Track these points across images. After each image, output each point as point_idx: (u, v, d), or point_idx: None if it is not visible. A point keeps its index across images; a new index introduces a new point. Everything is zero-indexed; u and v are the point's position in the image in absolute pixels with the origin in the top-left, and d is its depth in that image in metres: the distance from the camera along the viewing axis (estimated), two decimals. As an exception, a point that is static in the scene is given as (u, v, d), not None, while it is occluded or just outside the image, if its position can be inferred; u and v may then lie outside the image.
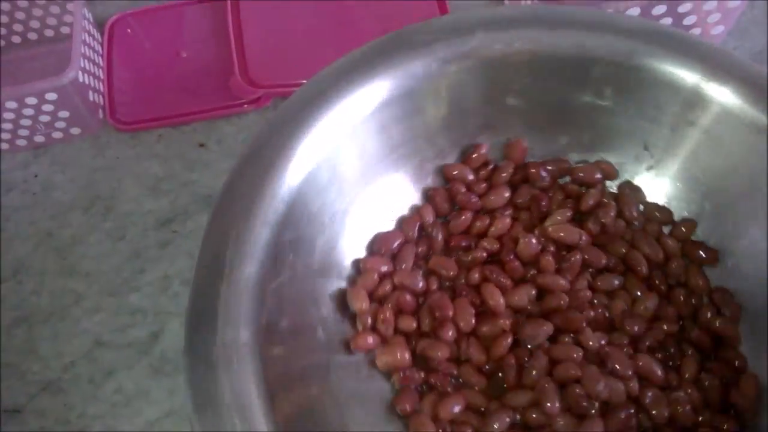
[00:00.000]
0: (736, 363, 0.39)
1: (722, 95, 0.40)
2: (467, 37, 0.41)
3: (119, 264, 0.50)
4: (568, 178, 0.46)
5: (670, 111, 0.42)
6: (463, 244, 0.43)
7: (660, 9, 0.52)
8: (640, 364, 0.38)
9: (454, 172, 0.45)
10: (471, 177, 0.45)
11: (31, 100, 0.50)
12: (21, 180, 0.54)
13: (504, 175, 0.45)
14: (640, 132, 0.44)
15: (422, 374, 0.40)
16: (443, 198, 0.44)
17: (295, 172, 0.37)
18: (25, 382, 0.46)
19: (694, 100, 0.41)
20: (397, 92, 0.40)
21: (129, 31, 0.61)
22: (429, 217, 0.44)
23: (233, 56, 0.56)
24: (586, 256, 0.42)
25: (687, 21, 0.54)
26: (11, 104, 0.50)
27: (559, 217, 0.43)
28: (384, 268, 0.42)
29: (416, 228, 0.43)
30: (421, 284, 0.41)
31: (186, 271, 0.49)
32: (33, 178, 0.54)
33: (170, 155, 0.54)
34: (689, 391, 0.38)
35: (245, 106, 0.55)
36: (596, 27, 0.41)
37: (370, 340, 0.40)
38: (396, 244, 0.42)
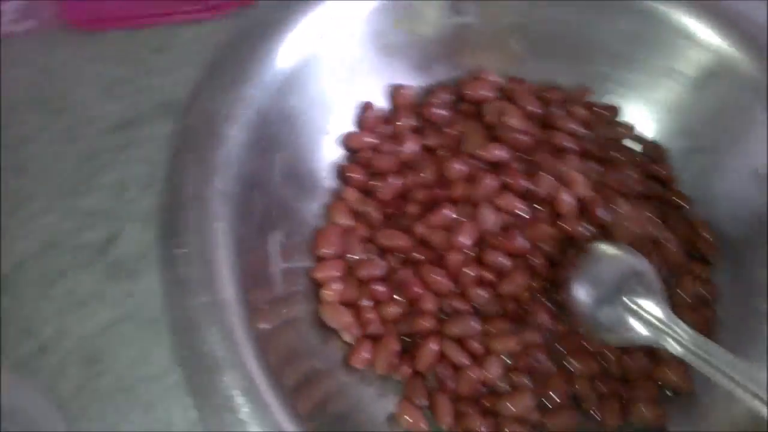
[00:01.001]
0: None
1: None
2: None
3: (72, 166, 0.48)
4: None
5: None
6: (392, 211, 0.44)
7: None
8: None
9: (354, 143, 0.44)
10: (374, 140, 0.44)
11: (-20, -11, 0.48)
12: (-34, 75, 0.51)
13: (401, 123, 0.45)
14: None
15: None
16: (359, 172, 0.44)
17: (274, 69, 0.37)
18: (-29, 279, 0.44)
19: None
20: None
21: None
22: (354, 197, 0.43)
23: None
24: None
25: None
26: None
27: (474, 140, 0.44)
28: (337, 273, 0.41)
29: (347, 214, 0.43)
30: (382, 268, 0.41)
31: (143, 176, 0.48)
32: (-19, 73, 0.51)
33: (127, 59, 0.52)
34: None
35: (206, 12, 0.54)
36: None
37: (366, 353, 0.40)
38: (336, 240, 0.42)
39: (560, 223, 0.42)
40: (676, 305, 0.40)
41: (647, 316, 0.36)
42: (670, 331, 0.35)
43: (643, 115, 0.46)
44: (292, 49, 0.38)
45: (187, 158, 0.34)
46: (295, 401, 0.34)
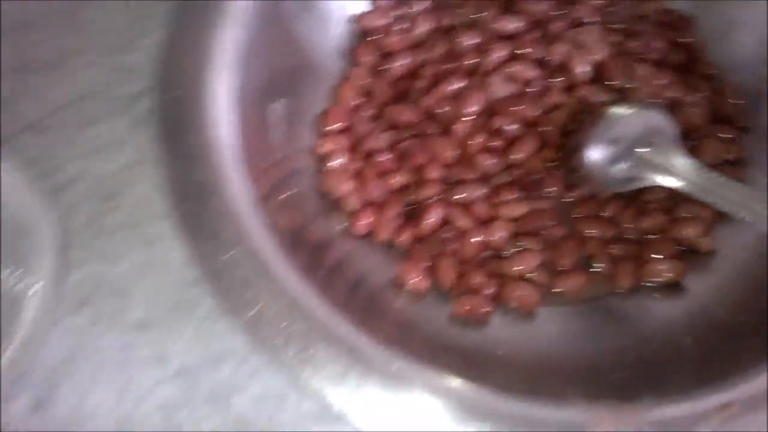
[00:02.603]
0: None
1: None
2: None
3: (122, 26, 0.49)
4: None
5: None
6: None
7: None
8: None
9: (366, 22, 0.44)
10: (384, 20, 0.43)
11: None
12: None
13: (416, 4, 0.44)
14: None
15: None
16: (368, 52, 0.43)
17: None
18: (12, 120, 0.46)
19: None
20: None
21: None
22: (361, 80, 0.42)
23: None
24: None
25: None
26: None
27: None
28: (342, 145, 0.41)
29: (355, 92, 0.42)
30: (387, 140, 0.41)
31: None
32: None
33: None
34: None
35: None
36: None
37: (367, 219, 0.40)
38: (344, 116, 0.41)
39: (574, 92, 0.38)
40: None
41: (661, 164, 0.32)
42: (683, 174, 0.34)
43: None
44: None
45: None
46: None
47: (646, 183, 0.37)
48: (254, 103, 0.37)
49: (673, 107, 0.40)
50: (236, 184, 0.35)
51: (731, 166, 0.40)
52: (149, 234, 0.42)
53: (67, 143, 0.45)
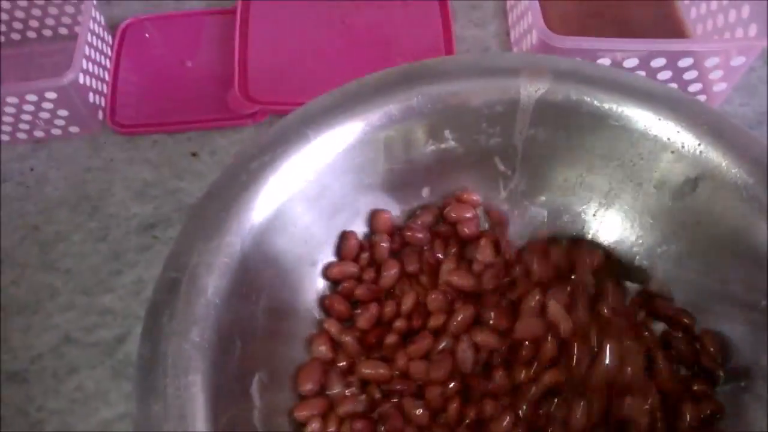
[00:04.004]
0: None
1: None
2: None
3: (98, 264, 0.51)
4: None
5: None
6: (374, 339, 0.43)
7: (659, 62, 0.52)
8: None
9: (336, 271, 0.44)
10: (354, 269, 0.44)
11: (32, 97, 0.52)
12: (18, 172, 0.55)
13: (383, 248, 0.45)
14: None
15: None
16: (340, 303, 0.44)
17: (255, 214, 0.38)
18: (-8, 369, 0.47)
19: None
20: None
21: (146, 35, 0.63)
22: (334, 328, 0.43)
23: (235, 70, 0.57)
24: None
25: (687, 75, 0.53)
26: (12, 99, 0.52)
27: (448, 267, 0.44)
28: (317, 411, 0.40)
29: (328, 346, 0.42)
30: (362, 404, 0.41)
31: (160, 277, 0.50)
32: (29, 171, 0.55)
33: (162, 162, 0.55)
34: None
35: (241, 120, 0.56)
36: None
37: None
38: (317, 377, 0.41)
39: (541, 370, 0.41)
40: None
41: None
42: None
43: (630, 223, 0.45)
44: (272, 194, 0.39)
45: (164, 311, 0.35)
46: None
47: None
48: (233, 385, 0.38)
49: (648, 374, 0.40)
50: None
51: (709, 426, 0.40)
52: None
53: (48, 395, 0.46)
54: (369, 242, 0.45)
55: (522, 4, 0.58)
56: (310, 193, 0.41)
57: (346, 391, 0.42)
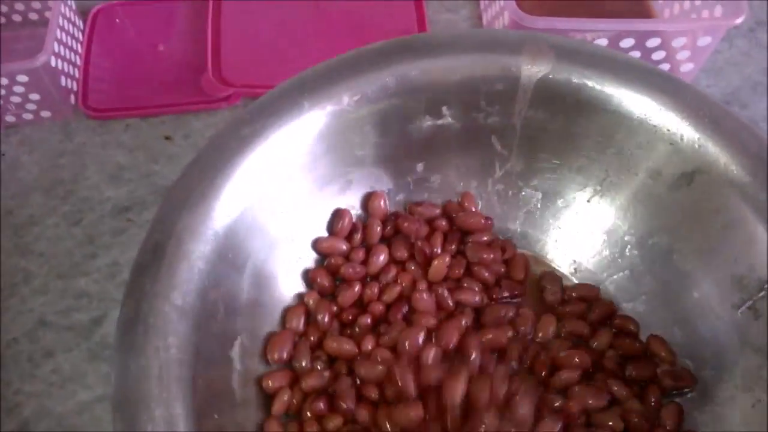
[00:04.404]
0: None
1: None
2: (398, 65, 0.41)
3: (72, 248, 0.51)
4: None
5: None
6: (350, 317, 0.43)
7: (628, 42, 0.53)
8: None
9: (325, 246, 0.44)
10: (344, 247, 0.44)
11: (3, 81, 0.51)
12: (-11, 157, 0.55)
13: (374, 232, 0.45)
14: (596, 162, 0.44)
15: None
16: (324, 277, 0.44)
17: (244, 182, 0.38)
18: (-33, 354, 0.47)
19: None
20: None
21: (117, 21, 0.62)
22: (312, 301, 0.43)
23: (208, 54, 0.57)
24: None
25: (655, 56, 0.54)
26: (-17, 83, 0.51)
27: (437, 262, 0.44)
28: (283, 383, 0.40)
29: (302, 319, 0.42)
30: (323, 379, 0.41)
31: (136, 260, 0.50)
32: (0, 156, 0.55)
33: (136, 145, 0.55)
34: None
35: (215, 103, 0.56)
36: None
37: None
38: (288, 346, 0.41)
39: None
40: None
41: None
42: None
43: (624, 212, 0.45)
44: (262, 160, 0.39)
45: (147, 273, 0.35)
46: None
47: None
48: (214, 349, 0.38)
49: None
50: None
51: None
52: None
53: (24, 378, 0.46)
54: (363, 224, 0.45)
55: (493, -13, 0.59)
56: (301, 163, 0.41)
57: (312, 366, 0.42)
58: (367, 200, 0.45)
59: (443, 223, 0.46)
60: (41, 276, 0.49)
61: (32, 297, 0.49)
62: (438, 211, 0.46)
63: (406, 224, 0.45)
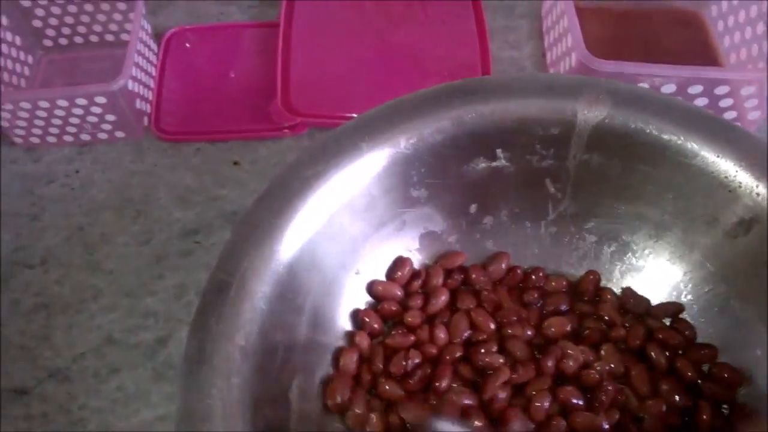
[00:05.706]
0: None
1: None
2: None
3: (141, 267, 0.52)
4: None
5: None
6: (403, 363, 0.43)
7: (696, 89, 0.53)
8: None
9: (380, 290, 0.45)
10: (399, 293, 0.45)
11: (81, 101, 0.53)
12: (63, 174, 0.57)
13: (435, 282, 0.45)
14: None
15: None
16: (375, 320, 0.44)
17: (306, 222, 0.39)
18: (36, 367, 0.48)
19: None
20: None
21: (187, 45, 0.64)
22: (365, 343, 0.43)
23: (277, 82, 0.58)
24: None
25: (723, 103, 0.54)
26: (62, 102, 0.53)
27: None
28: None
29: (355, 361, 0.43)
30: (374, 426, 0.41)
31: (202, 282, 0.50)
32: (74, 173, 0.57)
33: (204, 169, 0.56)
34: None
35: (282, 131, 0.58)
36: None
37: None
38: (347, 391, 0.42)
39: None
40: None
41: None
42: None
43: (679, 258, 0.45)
44: (323, 201, 0.39)
45: (213, 313, 0.36)
46: None
47: None
48: (273, 389, 0.38)
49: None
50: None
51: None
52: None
53: (89, 393, 0.47)
54: (425, 271, 0.46)
55: (560, 26, 0.59)
56: (359, 204, 0.42)
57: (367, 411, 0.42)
58: (440, 260, 0.47)
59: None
60: (110, 294, 0.51)
61: (100, 314, 0.50)
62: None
63: (474, 276, 0.45)
